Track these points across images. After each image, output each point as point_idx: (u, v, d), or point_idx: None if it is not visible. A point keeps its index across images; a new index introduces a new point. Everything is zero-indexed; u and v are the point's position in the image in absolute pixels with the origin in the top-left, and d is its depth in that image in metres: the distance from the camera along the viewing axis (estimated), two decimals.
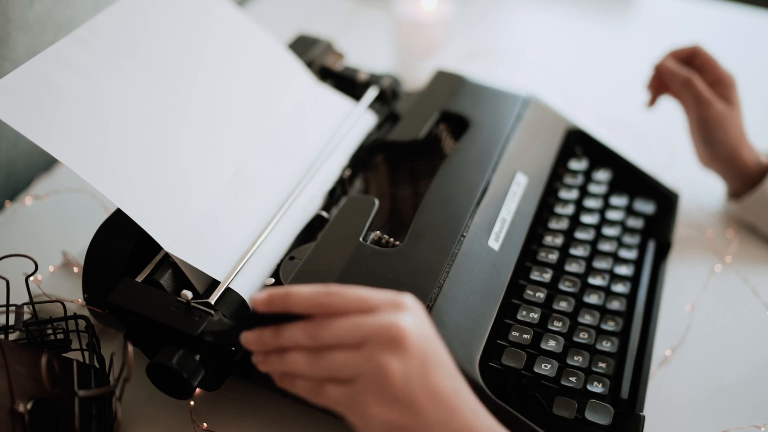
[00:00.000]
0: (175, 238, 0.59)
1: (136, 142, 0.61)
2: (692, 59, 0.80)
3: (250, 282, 0.60)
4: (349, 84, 0.83)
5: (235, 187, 0.65)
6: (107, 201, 0.80)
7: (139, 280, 0.59)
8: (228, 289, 0.58)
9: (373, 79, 0.83)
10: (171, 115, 0.64)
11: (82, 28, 0.62)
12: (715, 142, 0.78)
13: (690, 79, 0.77)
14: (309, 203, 0.67)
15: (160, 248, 0.60)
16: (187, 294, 0.56)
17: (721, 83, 0.78)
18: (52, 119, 0.57)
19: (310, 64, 0.81)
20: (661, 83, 0.84)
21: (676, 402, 0.67)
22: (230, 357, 0.57)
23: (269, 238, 0.63)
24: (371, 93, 0.81)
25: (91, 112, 0.59)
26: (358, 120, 0.77)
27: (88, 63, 0.61)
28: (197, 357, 0.55)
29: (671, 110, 0.96)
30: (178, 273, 0.60)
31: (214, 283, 0.60)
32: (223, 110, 0.68)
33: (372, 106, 0.80)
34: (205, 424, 0.62)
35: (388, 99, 0.82)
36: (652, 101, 0.86)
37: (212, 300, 0.57)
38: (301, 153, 0.71)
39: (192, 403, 0.63)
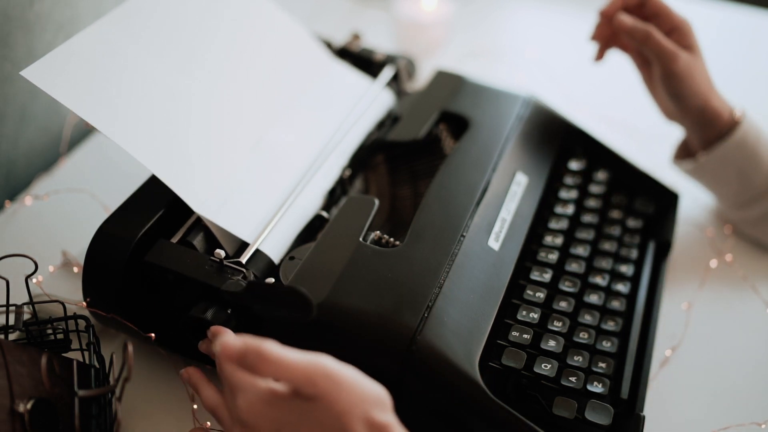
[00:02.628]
0: (204, 201, 0.62)
1: (170, 114, 0.64)
2: (642, 7, 0.76)
3: (277, 243, 0.63)
4: (365, 64, 0.85)
5: (259, 155, 0.68)
6: (107, 201, 0.80)
7: (174, 242, 0.61)
8: (257, 251, 0.61)
9: (389, 59, 0.85)
10: (200, 88, 0.67)
11: (118, 10, 0.66)
12: (685, 94, 0.74)
13: (649, 33, 0.72)
14: (330, 172, 0.71)
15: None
16: (221, 253, 0.59)
17: (678, 30, 0.73)
18: (90, 91, 0.61)
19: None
20: (610, 33, 0.78)
21: (676, 402, 0.67)
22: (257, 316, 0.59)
23: (295, 203, 0.66)
24: (388, 71, 0.82)
25: (128, 85, 0.63)
26: (376, 96, 0.79)
27: (125, 42, 0.65)
28: (229, 311, 0.57)
29: None
30: (210, 236, 0.63)
31: (243, 246, 0.63)
32: (246, 84, 0.71)
33: (388, 85, 0.82)
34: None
35: (403, 79, 0.84)
36: (600, 55, 0.80)
37: (243, 260, 0.59)
38: (321, 126, 0.74)
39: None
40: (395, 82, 0.84)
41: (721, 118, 0.75)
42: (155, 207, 0.62)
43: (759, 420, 0.65)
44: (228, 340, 0.49)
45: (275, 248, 0.63)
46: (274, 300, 0.54)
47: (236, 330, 0.56)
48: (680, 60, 0.72)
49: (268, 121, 0.70)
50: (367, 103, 0.77)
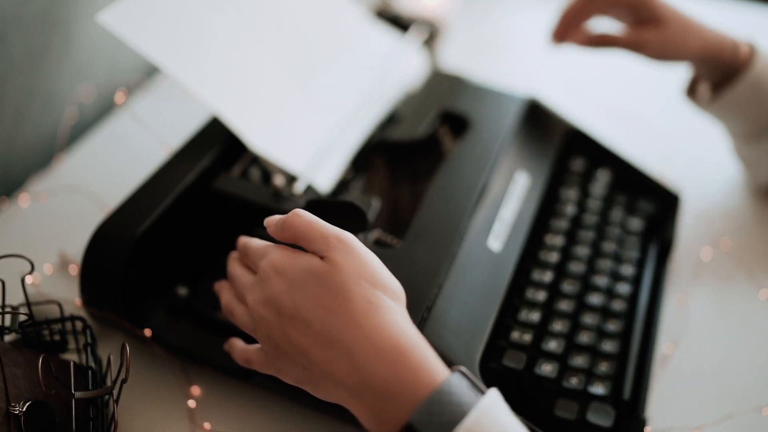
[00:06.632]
0: (260, 140, 0.68)
1: (231, 61, 0.70)
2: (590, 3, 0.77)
3: (326, 177, 0.70)
4: (396, 25, 0.91)
5: (306, 99, 0.74)
6: (104, 200, 0.79)
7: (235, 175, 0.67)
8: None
9: (418, 22, 0.90)
10: (255, 37, 0.73)
11: None
12: (676, 58, 0.76)
13: (608, 39, 0.75)
14: (368, 115, 0.76)
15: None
16: (278, 183, 0.65)
17: (637, 10, 0.74)
18: (160, 37, 0.66)
19: None
20: (568, 30, 0.79)
21: (678, 402, 0.66)
22: None
23: (340, 140, 0.72)
24: (417, 30, 0.88)
25: (195, 34, 0.69)
26: (409, 47, 0.85)
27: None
28: None
29: (678, 105, 0.95)
30: (264, 171, 0.70)
31: (293, 179, 0.69)
32: (293, 36, 0.77)
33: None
34: (207, 425, 0.61)
35: (429, 42, 0.91)
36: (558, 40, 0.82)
37: (297, 190, 0.65)
38: (361, 73, 0.80)
39: (192, 403, 0.63)
40: (426, 42, 0.90)
41: (724, 53, 0.75)
42: (155, 207, 0.62)
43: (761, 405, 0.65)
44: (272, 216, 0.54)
45: (324, 181, 0.69)
46: (334, 213, 0.58)
47: None
48: (649, 46, 0.74)
49: (311, 68, 0.77)
50: (401, 53, 0.84)
